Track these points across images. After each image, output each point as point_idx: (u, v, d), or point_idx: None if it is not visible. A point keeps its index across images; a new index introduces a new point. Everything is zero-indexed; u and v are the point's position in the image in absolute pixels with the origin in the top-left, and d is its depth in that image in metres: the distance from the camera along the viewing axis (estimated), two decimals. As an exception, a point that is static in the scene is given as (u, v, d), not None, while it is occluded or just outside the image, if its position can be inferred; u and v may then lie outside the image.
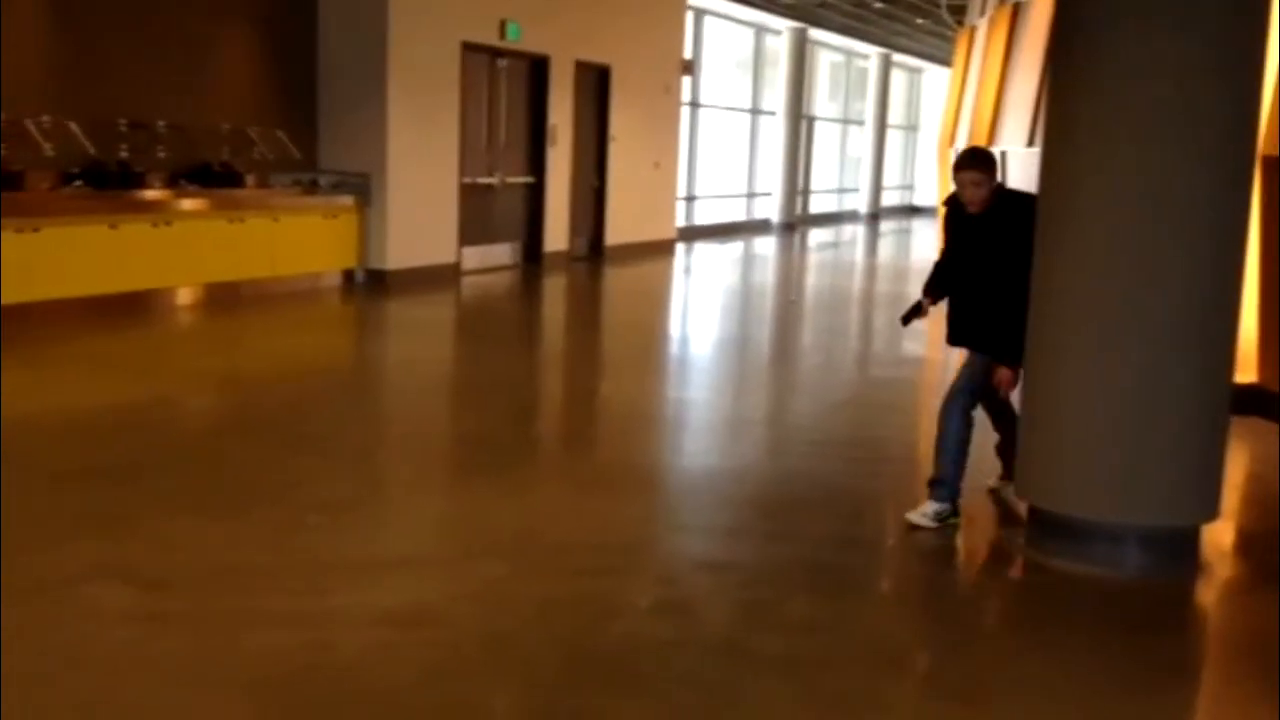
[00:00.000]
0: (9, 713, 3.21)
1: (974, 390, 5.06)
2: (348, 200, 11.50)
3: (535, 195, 14.31)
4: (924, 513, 4.97)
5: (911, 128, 32.30)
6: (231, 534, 4.62)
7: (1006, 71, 11.82)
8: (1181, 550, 4.66)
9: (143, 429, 6.23)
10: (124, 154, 9.58)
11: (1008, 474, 5.30)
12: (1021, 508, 4.93)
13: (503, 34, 13.05)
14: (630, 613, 4.13)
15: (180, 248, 9.71)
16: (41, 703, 3.28)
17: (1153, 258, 4.44)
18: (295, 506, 4.99)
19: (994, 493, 5.42)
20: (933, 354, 9.42)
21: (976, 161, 4.92)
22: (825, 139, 26.59)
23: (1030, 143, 10.27)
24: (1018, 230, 4.76)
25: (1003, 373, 4.91)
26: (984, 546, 5.15)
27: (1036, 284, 4.74)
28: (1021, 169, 10.50)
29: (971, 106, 13.22)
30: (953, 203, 5.10)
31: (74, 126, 9.10)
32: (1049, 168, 4.69)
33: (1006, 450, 5.31)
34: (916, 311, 5.31)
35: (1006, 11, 12.08)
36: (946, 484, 4.98)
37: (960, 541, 5.01)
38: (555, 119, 14.31)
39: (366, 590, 4.13)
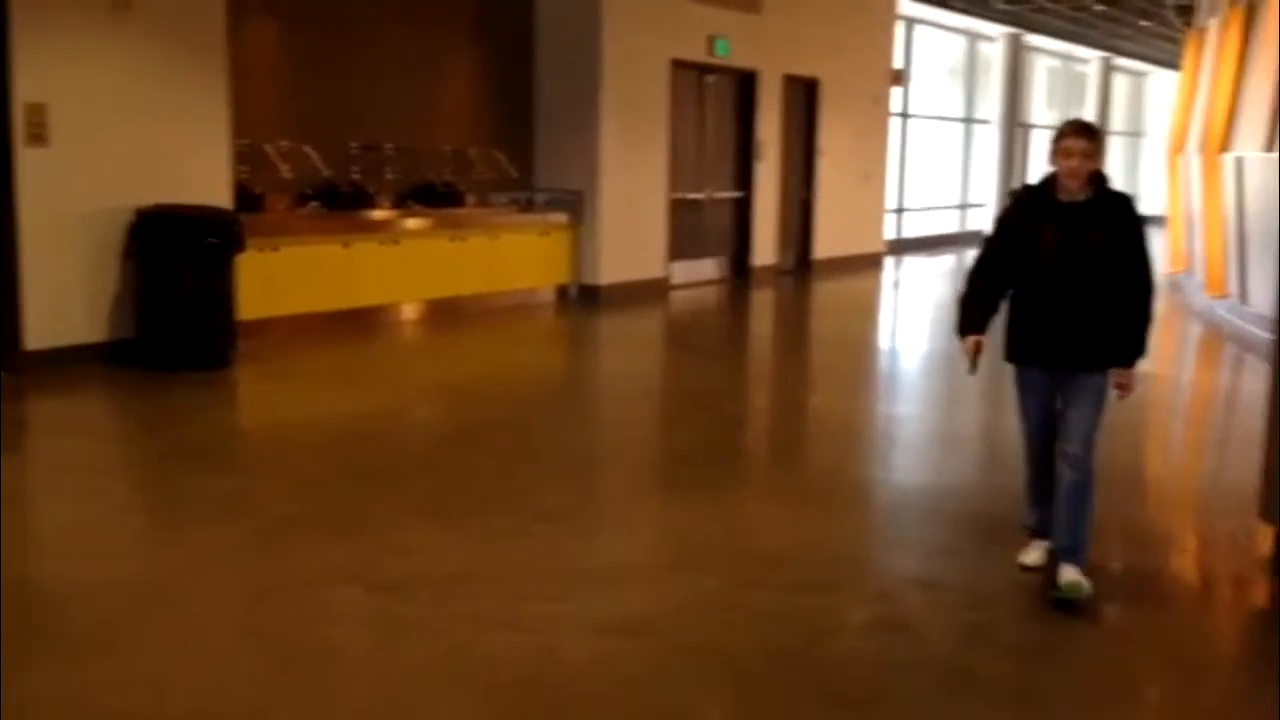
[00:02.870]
0: (250, 708, 3.44)
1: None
2: (561, 217, 11.81)
3: (742, 210, 14.36)
4: (1076, 577, 4.27)
5: (1135, 134, 30.94)
6: (461, 540, 4.81)
7: (1241, 73, 11.22)
8: None
9: (377, 438, 6.55)
10: (355, 175, 10.10)
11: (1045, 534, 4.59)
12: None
13: (711, 50, 13.17)
14: (846, 630, 4.11)
15: (406, 265, 10.16)
16: (282, 700, 3.49)
17: None
18: (520, 514, 5.16)
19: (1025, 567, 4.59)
20: (1162, 369, 9.02)
21: (1091, 131, 4.27)
22: (1042, 147, 25.73)
23: (1269, 147, 9.71)
24: (1131, 220, 4.26)
25: (1129, 376, 4.31)
26: (1222, 575, 4.90)
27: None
28: (1259, 175, 9.94)
29: (1203, 111, 12.60)
30: (1030, 194, 4.41)
31: (310, 150, 9.65)
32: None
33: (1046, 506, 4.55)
34: (978, 351, 4.38)
35: (1240, 11, 11.47)
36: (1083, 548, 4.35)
37: (1195, 569, 4.79)
38: (763, 133, 14.34)
39: (587, 598, 4.23)
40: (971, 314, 4.42)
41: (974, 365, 4.38)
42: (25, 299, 7.54)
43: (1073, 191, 4.25)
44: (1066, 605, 4.18)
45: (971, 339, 4.36)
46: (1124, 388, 4.32)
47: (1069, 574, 4.26)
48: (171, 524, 5.01)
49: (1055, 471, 4.44)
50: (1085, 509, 4.32)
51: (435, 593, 4.23)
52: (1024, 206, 4.41)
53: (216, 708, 3.38)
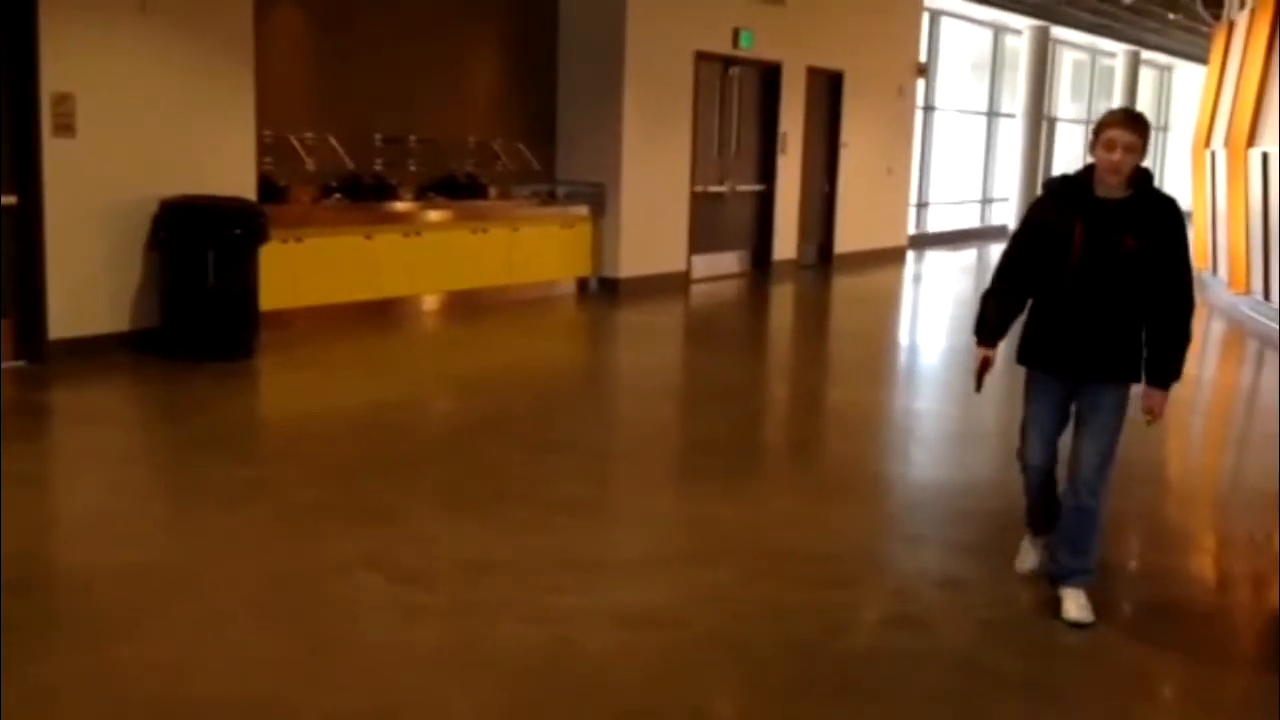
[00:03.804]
0: (269, 693, 3.47)
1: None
2: (582, 210, 11.82)
3: (765, 203, 14.34)
4: (1083, 605, 4.09)
5: (1161, 128, 30.72)
6: (480, 529, 4.85)
7: (1268, 68, 11.13)
8: None
9: (397, 428, 6.59)
10: (379, 167, 10.14)
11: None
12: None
13: (736, 42, 13.15)
14: (862, 625, 4.12)
15: (428, 257, 10.19)
16: (301, 685, 3.53)
17: None
18: (539, 505, 5.19)
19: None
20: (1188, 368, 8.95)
21: (1137, 123, 3.91)
22: (1067, 141, 25.61)
23: (1295, 144, 9.65)
24: (1173, 226, 3.94)
25: (1160, 398, 4.06)
26: (1239, 574, 4.88)
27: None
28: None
29: (1229, 105, 12.50)
30: (1064, 186, 4.08)
31: (334, 142, 9.69)
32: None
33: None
34: (985, 368, 4.18)
35: (1269, 4, 11.38)
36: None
37: (1212, 568, 4.77)
38: (786, 126, 14.30)
39: (604, 590, 4.26)
40: (991, 317, 4.13)
41: (979, 384, 4.18)
42: (50, 288, 7.60)
43: (1111, 188, 3.93)
44: (1079, 625, 4.02)
45: (981, 353, 4.13)
46: (1154, 412, 4.05)
47: (1072, 608, 4.05)
48: (193, 511, 5.06)
49: (1054, 494, 4.21)
50: (1093, 533, 4.09)
51: (454, 582, 4.27)
52: (1056, 199, 4.07)
53: (236, 692, 3.42)
